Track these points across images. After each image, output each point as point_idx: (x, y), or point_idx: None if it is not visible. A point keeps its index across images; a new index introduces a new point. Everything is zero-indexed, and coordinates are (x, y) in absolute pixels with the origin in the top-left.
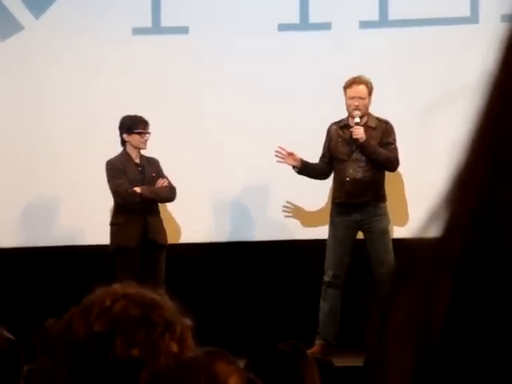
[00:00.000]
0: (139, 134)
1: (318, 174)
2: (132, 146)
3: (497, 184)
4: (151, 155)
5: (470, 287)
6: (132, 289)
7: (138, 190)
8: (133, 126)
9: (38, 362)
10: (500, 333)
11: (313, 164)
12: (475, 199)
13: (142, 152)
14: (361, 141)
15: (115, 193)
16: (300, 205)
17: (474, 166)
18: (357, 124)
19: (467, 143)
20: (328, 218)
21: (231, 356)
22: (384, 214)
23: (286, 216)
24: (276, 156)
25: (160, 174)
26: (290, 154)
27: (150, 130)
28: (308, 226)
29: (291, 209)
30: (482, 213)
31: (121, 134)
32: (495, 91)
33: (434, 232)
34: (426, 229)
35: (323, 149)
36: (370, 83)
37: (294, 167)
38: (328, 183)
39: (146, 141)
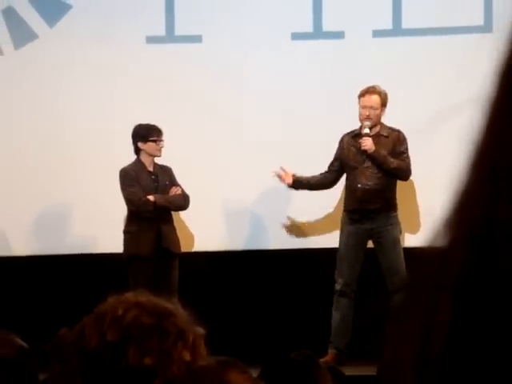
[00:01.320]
0: (154, 141)
1: (317, 186)
2: (147, 153)
3: (497, 203)
4: (164, 163)
5: (469, 306)
6: (144, 297)
7: (151, 198)
8: (148, 134)
9: (51, 370)
10: (501, 348)
11: (309, 177)
12: (476, 217)
13: (156, 160)
14: (369, 152)
15: (128, 201)
16: (314, 213)
17: (475, 186)
18: (366, 135)
19: (467, 162)
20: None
21: (244, 365)
22: (395, 224)
23: (298, 225)
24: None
25: (173, 182)
26: (285, 173)
27: (163, 138)
28: (321, 235)
29: (303, 219)
30: (483, 231)
31: (134, 143)
32: (494, 110)
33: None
34: (431, 246)
35: (334, 157)
36: (385, 93)
37: (288, 186)
38: (341, 191)
39: (161, 148)
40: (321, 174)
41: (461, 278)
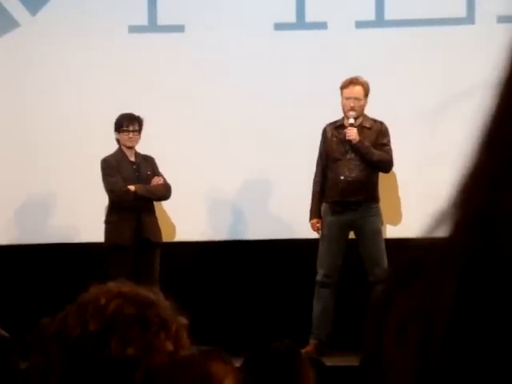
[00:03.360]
0: (124, 131)
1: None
2: (121, 143)
3: (501, 189)
4: (147, 153)
5: (473, 291)
6: (127, 287)
7: (132, 188)
8: (119, 123)
9: (33, 360)
10: (503, 336)
11: (319, 199)
12: (480, 204)
13: (139, 150)
14: (354, 142)
15: (109, 191)
16: (296, 204)
17: (480, 172)
18: (351, 125)
19: (472, 149)
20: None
21: (226, 355)
22: (376, 215)
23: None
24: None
25: (155, 172)
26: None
27: (141, 128)
28: (302, 225)
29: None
30: (487, 218)
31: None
32: (503, 97)
33: (438, 235)
34: (431, 232)
35: (319, 150)
36: (367, 84)
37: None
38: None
39: (132, 138)
40: (317, 181)
41: (464, 262)
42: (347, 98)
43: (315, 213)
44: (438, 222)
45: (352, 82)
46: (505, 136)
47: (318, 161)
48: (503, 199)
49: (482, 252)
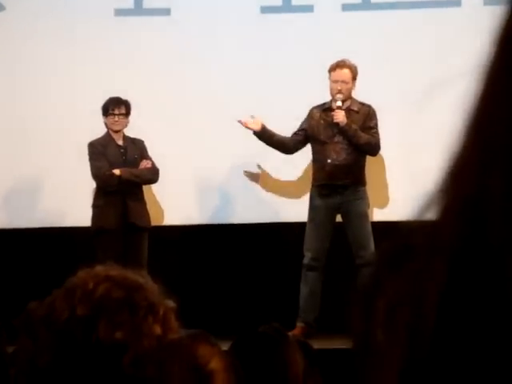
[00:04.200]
0: (110, 115)
1: (278, 145)
2: (108, 127)
3: (489, 173)
4: (135, 137)
5: (463, 276)
6: (114, 271)
7: (116, 172)
8: (105, 107)
9: (20, 345)
10: (493, 323)
11: (275, 134)
12: (469, 189)
13: (129, 133)
14: (341, 125)
15: (93, 175)
16: (281, 187)
17: (468, 156)
18: (338, 108)
19: (461, 132)
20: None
21: (213, 339)
22: (363, 198)
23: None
24: (239, 122)
25: (143, 156)
26: (255, 121)
27: (128, 112)
28: (290, 208)
29: (273, 190)
30: (475, 202)
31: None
32: (490, 80)
33: (426, 219)
34: (419, 216)
35: (299, 127)
36: (355, 67)
37: (254, 132)
38: (308, 166)
39: (118, 122)
40: (286, 136)
41: (453, 247)
42: (334, 81)
43: (266, 128)
44: (427, 205)
45: (339, 65)
46: (492, 119)
47: (292, 134)
48: (491, 183)
49: (471, 237)
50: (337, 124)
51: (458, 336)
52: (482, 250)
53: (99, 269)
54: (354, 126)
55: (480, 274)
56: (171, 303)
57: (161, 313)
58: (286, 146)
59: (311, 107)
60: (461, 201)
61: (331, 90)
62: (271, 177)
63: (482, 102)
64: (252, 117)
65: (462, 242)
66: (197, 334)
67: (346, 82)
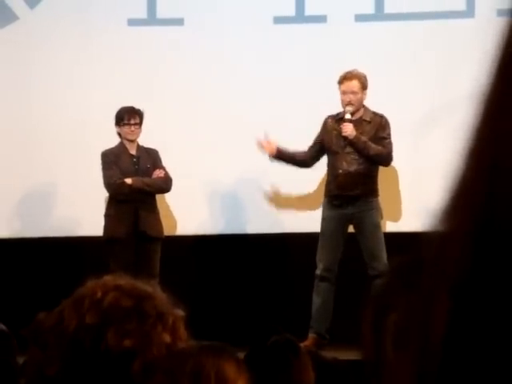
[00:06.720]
0: (126, 124)
1: (295, 163)
2: (122, 137)
3: (496, 198)
4: (149, 147)
5: (472, 294)
6: (123, 280)
7: (128, 181)
8: (120, 117)
9: (30, 355)
10: (501, 342)
11: (290, 155)
12: (473, 214)
13: (142, 143)
14: (350, 138)
15: (105, 184)
16: (294, 198)
17: (474, 175)
18: (347, 120)
19: (467, 150)
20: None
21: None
22: (376, 209)
23: (279, 209)
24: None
25: (156, 165)
26: (268, 143)
27: (141, 121)
28: (302, 219)
29: (284, 202)
30: (479, 228)
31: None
32: (494, 98)
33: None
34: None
35: (315, 139)
36: (364, 77)
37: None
38: (322, 177)
39: (133, 131)
40: (303, 151)
41: (459, 269)
42: (344, 93)
43: (282, 150)
44: (437, 218)
45: (346, 76)
46: (503, 128)
47: (308, 148)
48: (498, 208)
49: (478, 257)
50: (345, 138)
51: (466, 354)
52: (492, 271)
53: (108, 278)
54: (364, 138)
55: (490, 291)
56: (180, 312)
57: (170, 321)
58: (305, 163)
59: (326, 116)
60: (465, 227)
61: (341, 101)
62: (284, 187)
63: (488, 120)
64: (266, 136)
65: (470, 263)
66: (222, 349)
67: (356, 93)
